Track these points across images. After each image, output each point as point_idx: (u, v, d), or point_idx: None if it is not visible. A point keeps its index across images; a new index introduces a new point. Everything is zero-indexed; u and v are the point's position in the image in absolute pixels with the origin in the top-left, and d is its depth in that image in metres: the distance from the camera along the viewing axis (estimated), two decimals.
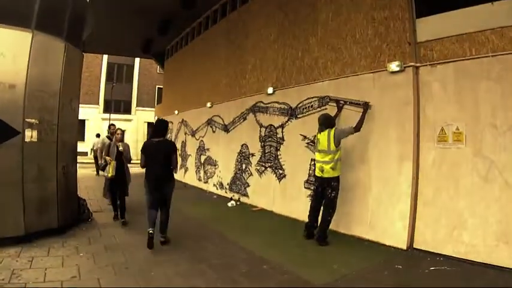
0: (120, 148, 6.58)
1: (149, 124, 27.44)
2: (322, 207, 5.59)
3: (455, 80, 4.83)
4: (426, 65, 5.16)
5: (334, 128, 5.55)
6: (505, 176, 4.29)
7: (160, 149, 5.14)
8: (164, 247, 5.13)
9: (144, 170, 5.26)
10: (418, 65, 5.24)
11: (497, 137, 4.36)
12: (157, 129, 5.36)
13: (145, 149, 5.27)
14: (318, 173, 5.62)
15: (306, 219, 5.80)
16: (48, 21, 5.40)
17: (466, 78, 4.72)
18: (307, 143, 7.00)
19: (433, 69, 5.09)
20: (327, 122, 5.65)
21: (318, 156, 5.65)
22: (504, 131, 4.31)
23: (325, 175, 5.47)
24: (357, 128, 5.49)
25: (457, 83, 4.81)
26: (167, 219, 5.30)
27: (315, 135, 5.94)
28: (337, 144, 5.46)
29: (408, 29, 5.32)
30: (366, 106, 5.69)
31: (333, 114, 6.14)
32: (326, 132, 5.55)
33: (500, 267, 4.19)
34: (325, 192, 5.51)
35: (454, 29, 4.85)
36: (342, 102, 6.23)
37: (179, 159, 13.79)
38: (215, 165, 11.09)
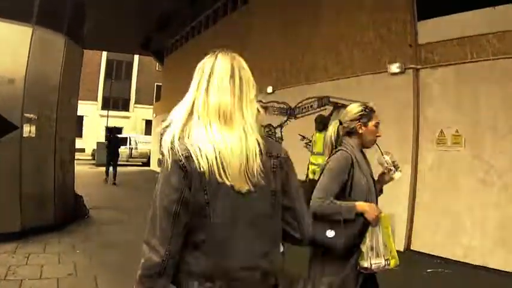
0: (396, 175, 2.19)
1: (147, 121, 27.36)
2: None
3: (455, 83, 4.84)
4: (427, 67, 5.17)
5: None
6: (504, 179, 4.29)
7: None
8: None
9: None
10: (418, 67, 5.24)
11: (498, 141, 4.36)
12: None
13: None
14: (310, 176, 5.59)
15: None
16: (49, 17, 5.38)
17: (466, 81, 4.72)
18: (306, 143, 6.99)
19: (434, 72, 5.09)
20: (324, 122, 5.67)
21: (312, 158, 5.62)
22: (504, 134, 4.32)
23: (317, 177, 5.43)
24: None
25: (457, 85, 4.82)
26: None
27: (312, 136, 5.92)
28: None
29: (409, 31, 5.32)
30: None
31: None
32: (323, 134, 5.53)
33: (497, 270, 4.20)
34: None
35: (456, 32, 4.86)
36: (339, 104, 6.24)
37: None
38: None
